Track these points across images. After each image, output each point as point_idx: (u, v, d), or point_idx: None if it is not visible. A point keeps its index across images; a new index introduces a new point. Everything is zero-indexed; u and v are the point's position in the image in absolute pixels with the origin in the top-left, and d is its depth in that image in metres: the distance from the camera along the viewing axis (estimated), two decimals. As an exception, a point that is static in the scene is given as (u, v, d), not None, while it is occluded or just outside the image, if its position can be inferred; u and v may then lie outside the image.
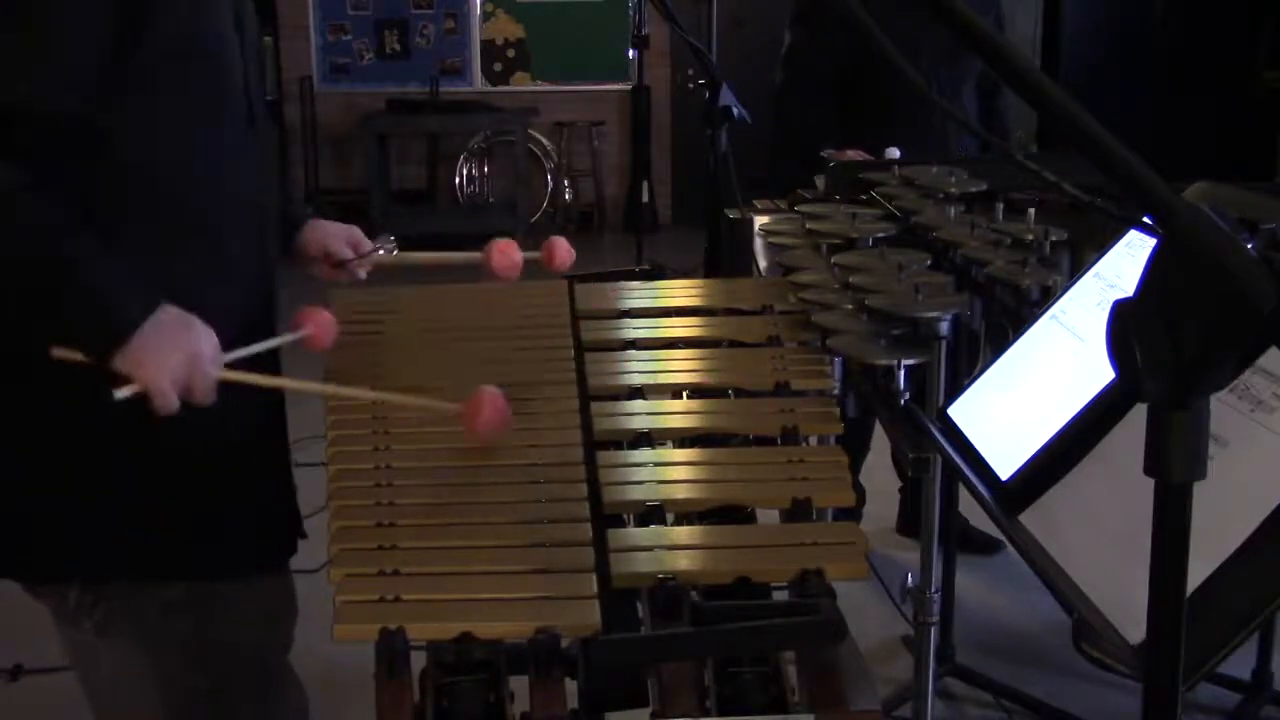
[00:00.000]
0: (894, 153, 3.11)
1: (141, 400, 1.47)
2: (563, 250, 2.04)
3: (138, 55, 1.47)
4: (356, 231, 1.94)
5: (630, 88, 8.66)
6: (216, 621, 1.65)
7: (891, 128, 3.31)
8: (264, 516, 1.72)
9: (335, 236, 1.91)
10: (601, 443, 1.71)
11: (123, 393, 1.46)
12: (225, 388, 1.54)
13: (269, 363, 1.70)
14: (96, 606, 1.61)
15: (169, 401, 1.47)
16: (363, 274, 1.95)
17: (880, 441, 3.44)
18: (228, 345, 1.57)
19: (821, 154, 3.23)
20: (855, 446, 3.43)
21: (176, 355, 1.47)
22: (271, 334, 1.73)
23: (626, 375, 1.90)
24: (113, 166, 1.51)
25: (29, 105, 1.42)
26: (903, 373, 1.91)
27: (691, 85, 3.30)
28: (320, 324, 1.76)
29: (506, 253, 1.99)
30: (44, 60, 1.42)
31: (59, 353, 1.48)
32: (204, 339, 1.51)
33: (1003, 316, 2.22)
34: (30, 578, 1.65)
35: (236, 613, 1.67)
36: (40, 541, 1.61)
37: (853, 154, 3.21)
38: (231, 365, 1.55)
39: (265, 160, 1.73)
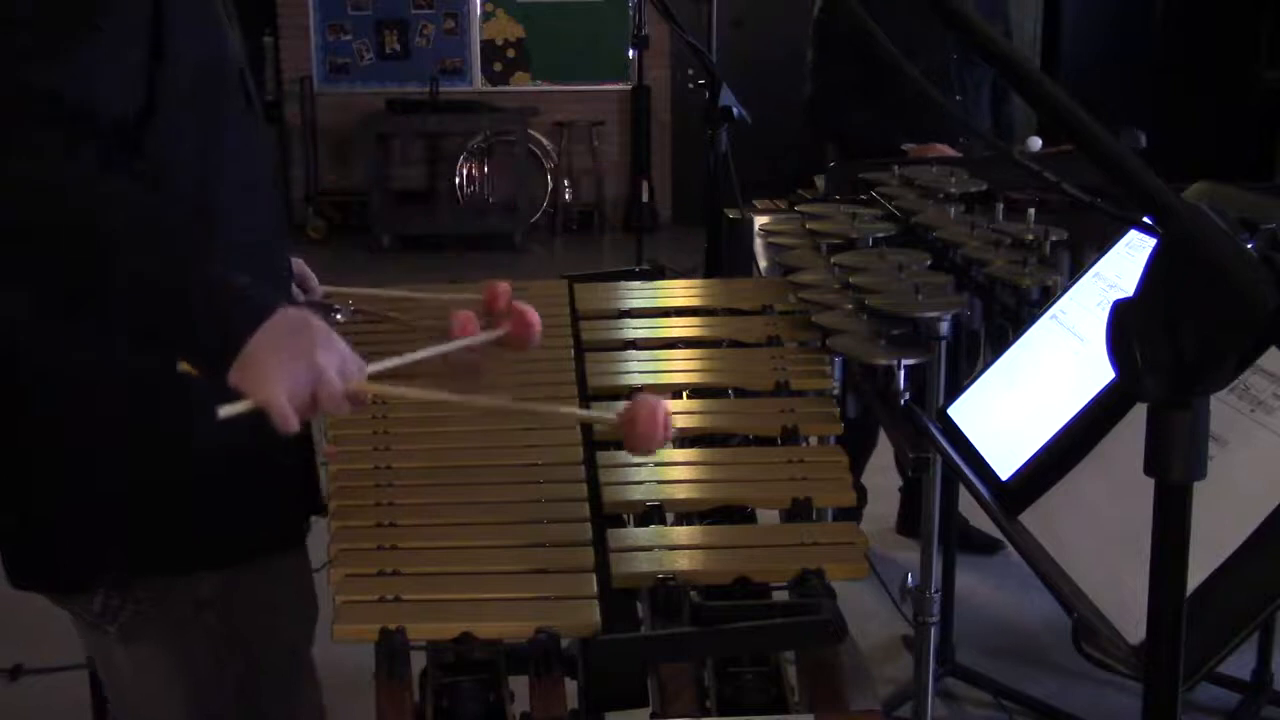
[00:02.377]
0: (1036, 143, 3.06)
1: (254, 416, 1.31)
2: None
3: (164, 64, 1.44)
4: (301, 265, 1.88)
5: (630, 88, 8.67)
6: (243, 617, 1.63)
7: (925, 127, 3.30)
8: (283, 492, 1.68)
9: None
10: (601, 443, 1.71)
11: (228, 410, 1.29)
12: None
13: None
14: (123, 609, 1.59)
15: (288, 419, 1.30)
16: (339, 318, 1.92)
17: (881, 441, 3.44)
18: None
19: (902, 147, 3.22)
20: (862, 443, 3.45)
21: (298, 368, 1.30)
22: None
23: (626, 375, 1.90)
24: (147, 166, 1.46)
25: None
26: (903, 373, 1.91)
27: (691, 85, 3.30)
28: (520, 319, 1.60)
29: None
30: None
31: (184, 367, 1.34)
32: (325, 347, 1.34)
33: (1003, 316, 2.23)
34: (59, 587, 1.63)
35: (263, 608, 1.66)
36: (65, 550, 1.59)
37: (940, 148, 3.19)
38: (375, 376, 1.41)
39: (266, 143, 1.71)
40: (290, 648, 1.75)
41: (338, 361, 1.34)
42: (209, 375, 1.32)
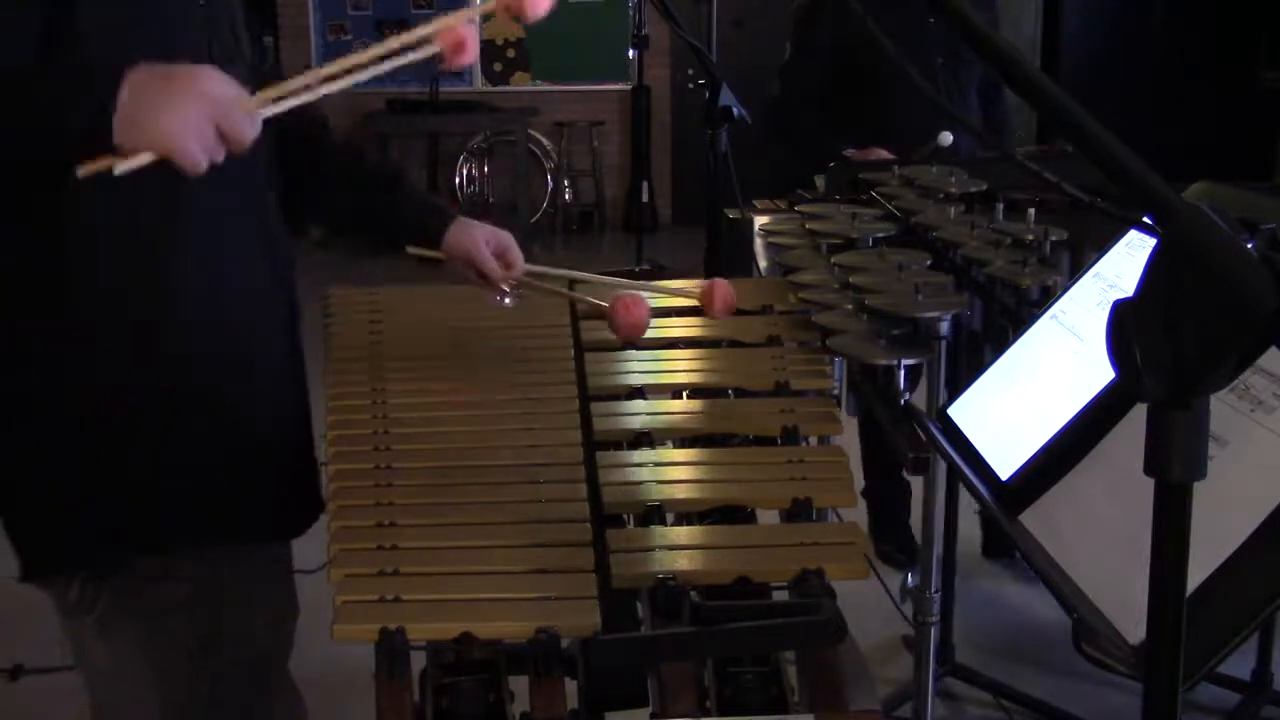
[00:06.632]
0: (947, 138, 3.09)
1: (166, 168, 1.28)
2: (723, 293, 1.90)
3: (72, 31, 1.39)
4: (506, 237, 1.80)
5: (630, 88, 8.66)
6: (219, 618, 1.64)
7: (893, 131, 3.30)
8: (278, 480, 1.69)
9: (479, 242, 1.78)
10: (601, 443, 1.71)
11: (127, 165, 1.26)
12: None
13: (291, 345, 1.70)
14: (99, 601, 1.59)
15: (194, 154, 1.28)
16: (507, 301, 1.82)
17: (881, 441, 3.44)
18: (224, 336, 1.57)
19: (844, 153, 3.23)
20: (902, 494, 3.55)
21: (185, 103, 1.28)
22: (292, 312, 1.70)
23: (626, 375, 1.90)
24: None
25: None
26: (903, 373, 1.91)
27: (691, 85, 3.30)
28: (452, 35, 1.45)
29: (632, 310, 1.81)
30: None
31: (83, 170, 1.29)
32: (207, 76, 1.31)
33: (1003, 316, 2.23)
34: (34, 573, 1.64)
35: (239, 610, 1.67)
36: (42, 534, 1.59)
37: (880, 153, 3.19)
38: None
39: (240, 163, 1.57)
40: (263, 658, 1.74)
41: (223, 85, 1.31)
42: (96, 145, 1.28)
